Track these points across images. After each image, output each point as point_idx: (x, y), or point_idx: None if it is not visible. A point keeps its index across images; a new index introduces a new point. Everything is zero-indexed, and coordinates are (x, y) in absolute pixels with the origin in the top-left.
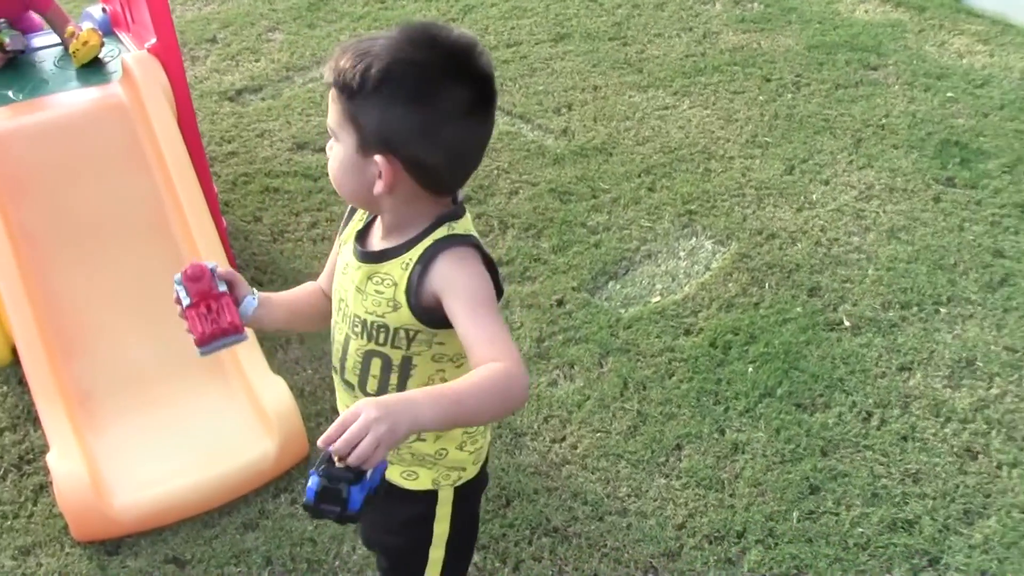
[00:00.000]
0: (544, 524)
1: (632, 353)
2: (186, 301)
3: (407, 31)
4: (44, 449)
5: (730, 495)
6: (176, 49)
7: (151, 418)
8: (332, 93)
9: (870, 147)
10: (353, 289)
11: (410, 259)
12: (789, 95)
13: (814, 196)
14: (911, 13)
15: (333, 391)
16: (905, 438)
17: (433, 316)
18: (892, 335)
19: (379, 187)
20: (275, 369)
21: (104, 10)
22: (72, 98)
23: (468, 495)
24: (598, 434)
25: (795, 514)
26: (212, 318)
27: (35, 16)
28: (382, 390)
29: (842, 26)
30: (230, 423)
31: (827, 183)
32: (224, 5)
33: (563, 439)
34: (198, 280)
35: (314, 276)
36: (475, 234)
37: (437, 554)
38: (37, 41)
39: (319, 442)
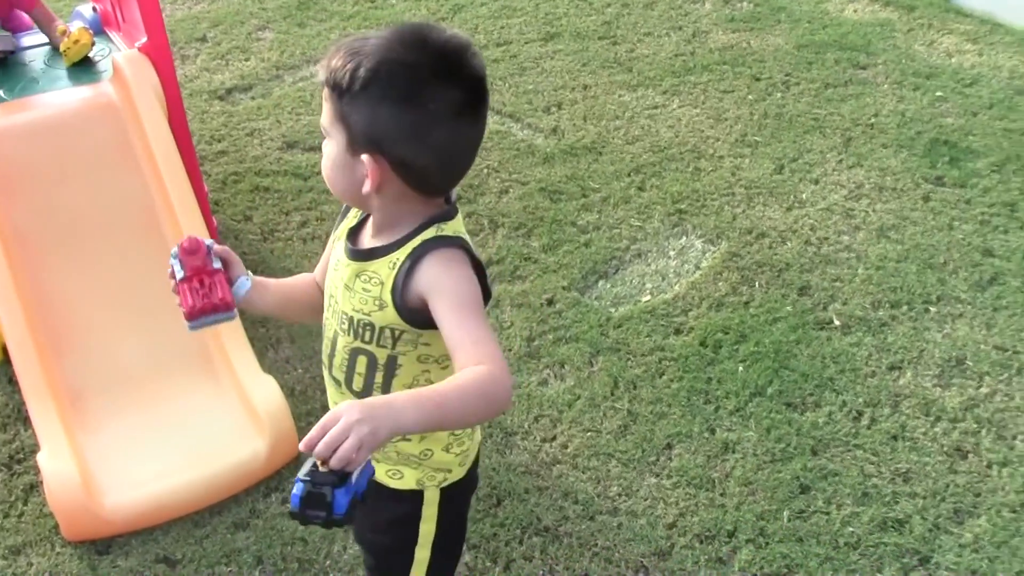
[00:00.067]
0: (535, 523)
1: (622, 352)
2: (180, 275)
3: (399, 31)
4: (35, 448)
5: (721, 494)
6: (167, 48)
7: (142, 417)
8: (324, 92)
9: (859, 146)
10: (342, 286)
11: (397, 259)
12: (779, 94)
13: (804, 195)
14: (900, 12)
15: (324, 390)
16: (895, 437)
17: (418, 317)
18: (882, 334)
19: (367, 187)
20: (266, 368)
21: (94, 9)
22: (62, 97)
23: (455, 497)
24: (588, 433)
25: (786, 513)
26: (204, 293)
27: (24, 15)
28: (367, 388)
29: (831, 25)
30: (221, 422)
31: (817, 182)
32: (214, 4)
33: (554, 438)
34: (193, 254)
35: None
36: (465, 236)
37: (423, 554)
38: (26, 40)
39: (301, 446)
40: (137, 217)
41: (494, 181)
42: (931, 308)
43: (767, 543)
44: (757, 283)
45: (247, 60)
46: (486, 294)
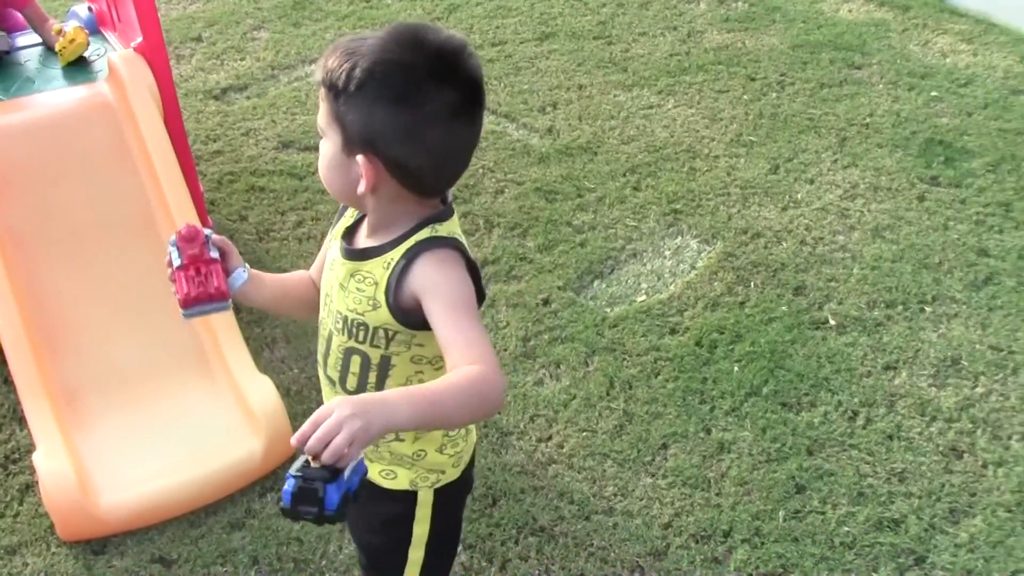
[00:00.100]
0: (531, 523)
1: (618, 352)
2: (176, 262)
3: (396, 31)
4: (30, 448)
5: (716, 494)
6: (162, 48)
7: (137, 417)
8: (321, 91)
9: (855, 146)
10: (337, 285)
11: (391, 259)
12: (774, 94)
13: (799, 195)
14: (895, 12)
15: (319, 390)
16: (891, 437)
17: (411, 317)
18: (877, 334)
19: (362, 187)
20: (261, 368)
21: (90, 9)
22: (58, 97)
23: (449, 498)
24: (584, 433)
25: (781, 513)
26: (199, 281)
27: (18, 15)
28: (361, 388)
29: (826, 25)
30: (216, 422)
31: (812, 182)
32: (209, 4)
33: (549, 438)
34: (191, 241)
35: None
36: (459, 236)
37: (416, 555)
38: (21, 40)
39: (293, 440)
40: (133, 217)
41: (489, 181)
42: (926, 308)
43: (763, 543)
44: (752, 283)
45: (242, 60)
46: (480, 295)
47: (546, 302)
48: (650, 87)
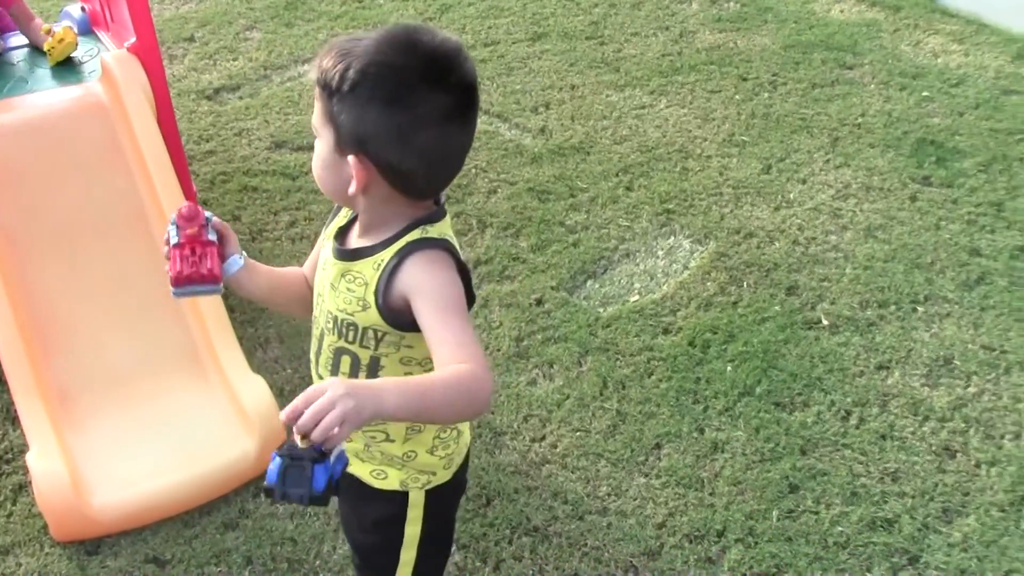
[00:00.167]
0: (524, 523)
1: (611, 352)
2: (174, 240)
3: (390, 33)
4: (24, 448)
5: (710, 494)
6: (156, 48)
7: (131, 417)
8: (316, 91)
9: (847, 146)
10: (328, 285)
11: (382, 260)
12: (766, 94)
13: (791, 195)
14: (886, 13)
15: None
16: (884, 437)
17: (400, 318)
18: (870, 334)
19: (353, 187)
20: (255, 368)
21: (83, 9)
22: (51, 97)
23: (441, 499)
24: (578, 433)
25: (775, 513)
26: (193, 261)
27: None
28: None
29: (818, 25)
30: (210, 422)
31: (804, 182)
32: (202, 4)
33: (543, 438)
34: (190, 220)
35: None
36: (450, 238)
37: (408, 555)
38: (13, 41)
39: (282, 415)
40: (126, 217)
41: (482, 181)
42: (919, 308)
43: (756, 543)
44: (745, 283)
45: (235, 60)
46: (470, 298)
47: (539, 302)
48: (642, 87)
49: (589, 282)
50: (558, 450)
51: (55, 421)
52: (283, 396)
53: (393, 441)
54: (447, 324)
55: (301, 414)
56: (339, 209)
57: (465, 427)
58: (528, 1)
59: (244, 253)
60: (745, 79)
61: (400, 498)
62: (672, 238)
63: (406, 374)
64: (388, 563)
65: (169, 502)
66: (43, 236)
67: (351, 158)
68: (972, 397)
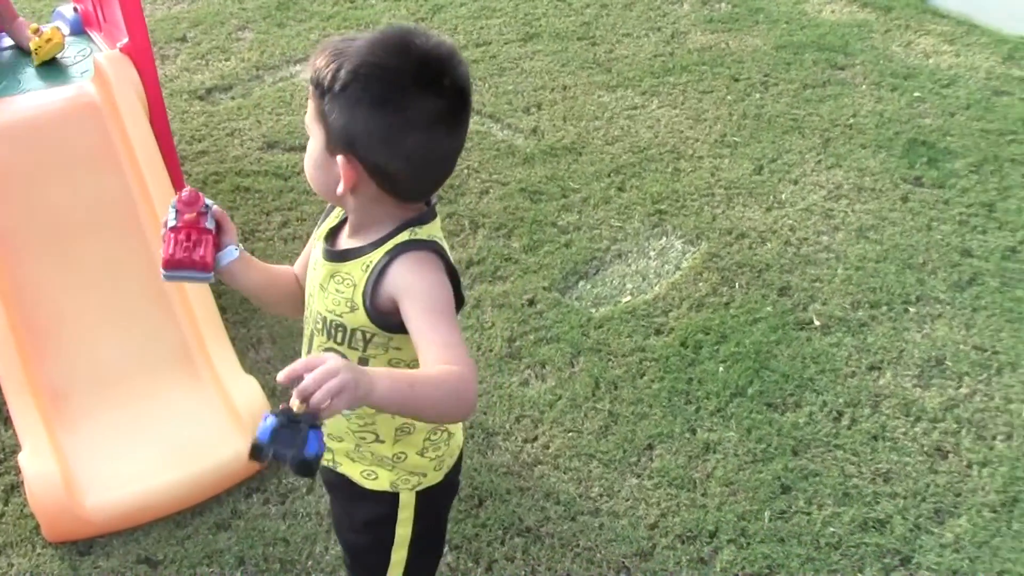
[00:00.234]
0: (517, 524)
1: (603, 353)
2: (171, 223)
3: (385, 35)
4: (16, 448)
5: (702, 495)
6: (148, 49)
7: (123, 418)
8: (309, 89)
9: (838, 147)
10: (318, 286)
11: (370, 261)
12: (757, 95)
13: (783, 196)
14: (877, 13)
15: None
16: (875, 437)
17: (387, 320)
18: (862, 334)
19: (341, 187)
20: (247, 369)
21: (76, 9)
22: (44, 97)
23: (431, 501)
24: (570, 434)
25: (767, 514)
26: (187, 247)
27: None
28: None
29: (809, 26)
30: (202, 423)
31: (796, 183)
32: (194, 4)
33: (535, 439)
34: (189, 206)
35: None
36: (440, 240)
37: (399, 556)
38: (6, 41)
39: (281, 376)
40: (118, 216)
41: (474, 182)
42: (910, 308)
43: (748, 543)
44: (737, 284)
45: (227, 60)
46: (460, 300)
47: (531, 303)
48: (634, 88)
49: (581, 283)
50: (550, 451)
51: (47, 421)
52: (275, 397)
53: (383, 442)
54: (434, 326)
55: (300, 378)
56: (331, 209)
57: (457, 429)
58: (520, 2)
59: (241, 246)
60: (737, 80)
61: (391, 499)
62: (664, 239)
63: None
64: (379, 563)
65: (161, 502)
66: (36, 236)
67: (339, 158)
68: (964, 398)
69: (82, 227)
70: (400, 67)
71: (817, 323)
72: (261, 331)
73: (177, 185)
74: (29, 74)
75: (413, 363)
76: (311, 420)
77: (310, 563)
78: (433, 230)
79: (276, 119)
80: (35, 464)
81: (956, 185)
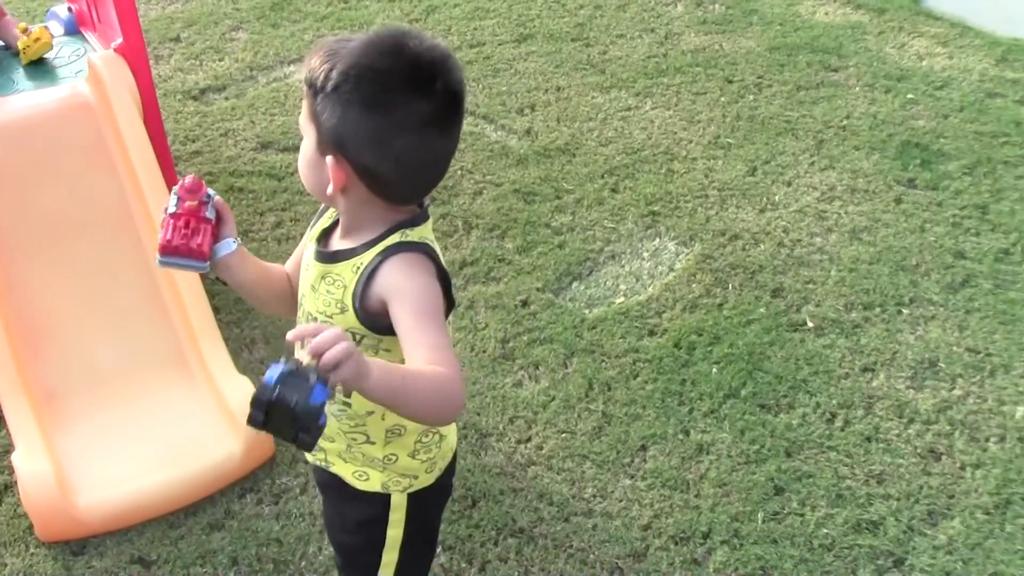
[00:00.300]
0: (510, 525)
1: (597, 354)
2: (172, 209)
3: (379, 36)
4: (9, 448)
5: (695, 496)
6: (142, 49)
7: (117, 418)
8: (304, 89)
9: (832, 148)
10: (309, 287)
11: (361, 263)
12: (751, 96)
13: (776, 197)
14: (871, 15)
15: None
16: (869, 439)
17: (377, 322)
18: (855, 336)
19: (331, 188)
20: (240, 369)
21: (70, 9)
22: (38, 98)
23: (423, 503)
24: (563, 435)
25: (760, 515)
26: (185, 234)
27: None
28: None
29: (803, 28)
30: (196, 423)
31: (789, 184)
32: (188, 4)
33: (528, 440)
34: (192, 193)
35: None
36: (431, 242)
37: (390, 557)
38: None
39: (290, 335)
40: (112, 217)
41: (468, 182)
42: (904, 310)
43: (742, 545)
44: (730, 285)
45: (221, 60)
46: (451, 303)
47: (525, 303)
48: (628, 89)
49: (575, 284)
50: (544, 451)
51: (41, 421)
52: None
53: (374, 443)
54: (423, 329)
55: (307, 337)
56: (324, 210)
57: (449, 431)
58: (514, 3)
59: (239, 239)
60: (730, 81)
61: (382, 500)
62: (657, 240)
63: None
64: (370, 563)
65: (155, 502)
66: (29, 236)
67: (329, 158)
68: (957, 399)
69: (76, 227)
70: (392, 69)
71: (810, 324)
72: (255, 331)
73: (171, 185)
74: (23, 74)
75: (403, 364)
76: (319, 374)
77: (303, 564)
78: (425, 232)
79: (270, 119)
80: (29, 464)
81: (949, 187)
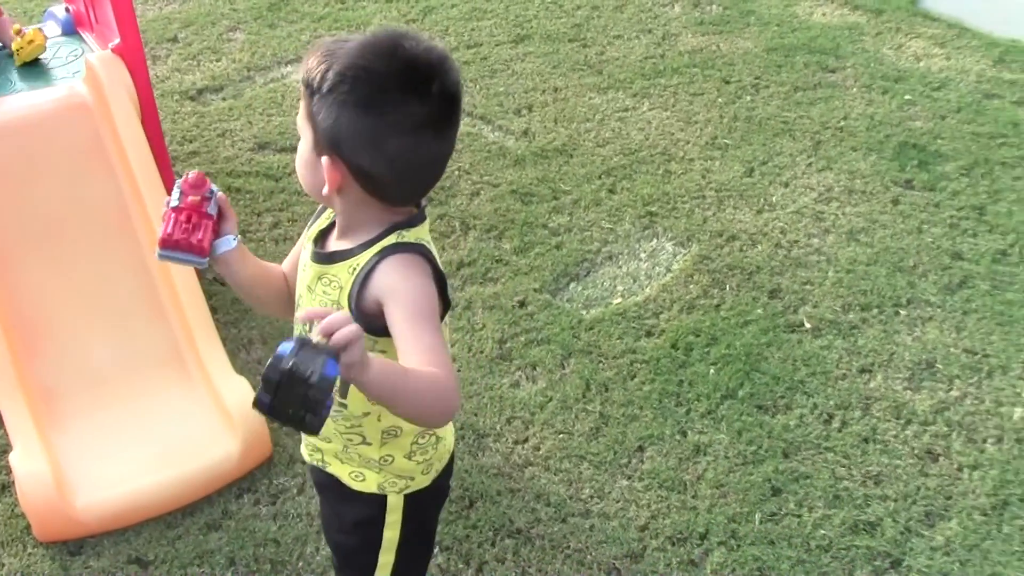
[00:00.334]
0: (507, 525)
1: (594, 355)
2: (174, 203)
3: (375, 37)
4: (7, 448)
5: (692, 497)
6: (140, 49)
7: (114, 418)
8: (301, 89)
9: (829, 149)
10: (306, 288)
11: (357, 264)
12: (748, 97)
13: (774, 198)
14: (868, 16)
15: None
16: (866, 440)
17: (372, 323)
18: (852, 337)
19: (326, 188)
20: (238, 369)
21: (67, 10)
22: (35, 98)
23: (420, 505)
24: (560, 435)
25: (757, 516)
26: (186, 228)
27: None
28: None
29: (800, 29)
30: (193, 423)
31: (787, 185)
32: (185, 5)
33: (526, 440)
34: (195, 188)
35: None
36: (427, 243)
37: (387, 558)
38: None
39: (300, 314)
40: (110, 217)
41: (465, 183)
42: (901, 311)
43: (739, 545)
44: (728, 286)
45: (218, 61)
46: (447, 304)
47: (522, 304)
48: (625, 90)
49: (572, 284)
50: (541, 452)
51: (38, 421)
52: None
53: (370, 444)
54: (418, 330)
55: (318, 317)
56: (322, 210)
57: (446, 434)
58: (511, 3)
59: (240, 237)
60: (728, 82)
61: (378, 501)
62: (655, 241)
63: None
64: (367, 564)
65: (152, 503)
66: (27, 236)
67: (325, 159)
68: (954, 401)
69: (73, 227)
70: (387, 71)
71: (808, 325)
72: (252, 332)
73: (168, 186)
74: (20, 74)
75: None
76: (331, 351)
77: (300, 564)
78: (421, 233)
79: (267, 120)
80: (26, 464)
81: (947, 188)
